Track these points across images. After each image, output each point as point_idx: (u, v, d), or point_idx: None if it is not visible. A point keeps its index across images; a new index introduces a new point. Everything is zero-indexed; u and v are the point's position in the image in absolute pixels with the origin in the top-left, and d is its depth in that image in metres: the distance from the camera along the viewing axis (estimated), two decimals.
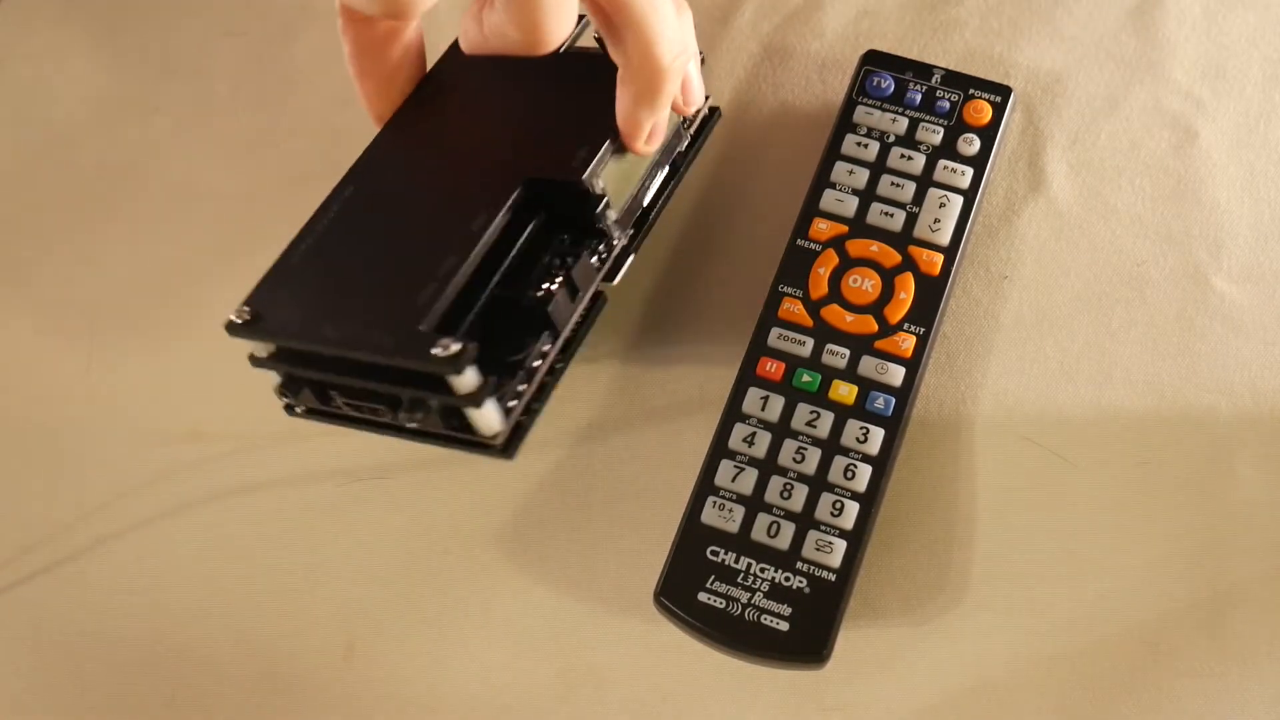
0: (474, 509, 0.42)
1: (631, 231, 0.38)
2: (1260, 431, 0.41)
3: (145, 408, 0.44)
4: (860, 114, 0.43)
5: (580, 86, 0.38)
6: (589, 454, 0.42)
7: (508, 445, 0.35)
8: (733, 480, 0.39)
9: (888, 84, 0.43)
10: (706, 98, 0.40)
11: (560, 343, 0.36)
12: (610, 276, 0.38)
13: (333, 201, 0.38)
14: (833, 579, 0.38)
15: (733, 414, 0.40)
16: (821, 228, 0.42)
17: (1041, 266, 0.44)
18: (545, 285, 0.35)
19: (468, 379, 0.33)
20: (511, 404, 0.35)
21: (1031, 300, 0.43)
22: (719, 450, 0.39)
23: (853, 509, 0.38)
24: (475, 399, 0.33)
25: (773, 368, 0.40)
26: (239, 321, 0.35)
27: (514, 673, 0.40)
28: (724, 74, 0.47)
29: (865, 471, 0.39)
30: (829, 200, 0.42)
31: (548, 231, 0.37)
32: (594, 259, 0.37)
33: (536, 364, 0.35)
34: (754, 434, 0.39)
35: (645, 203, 0.39)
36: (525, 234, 0.36)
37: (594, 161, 0.36)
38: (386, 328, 0.33)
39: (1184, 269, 0.43)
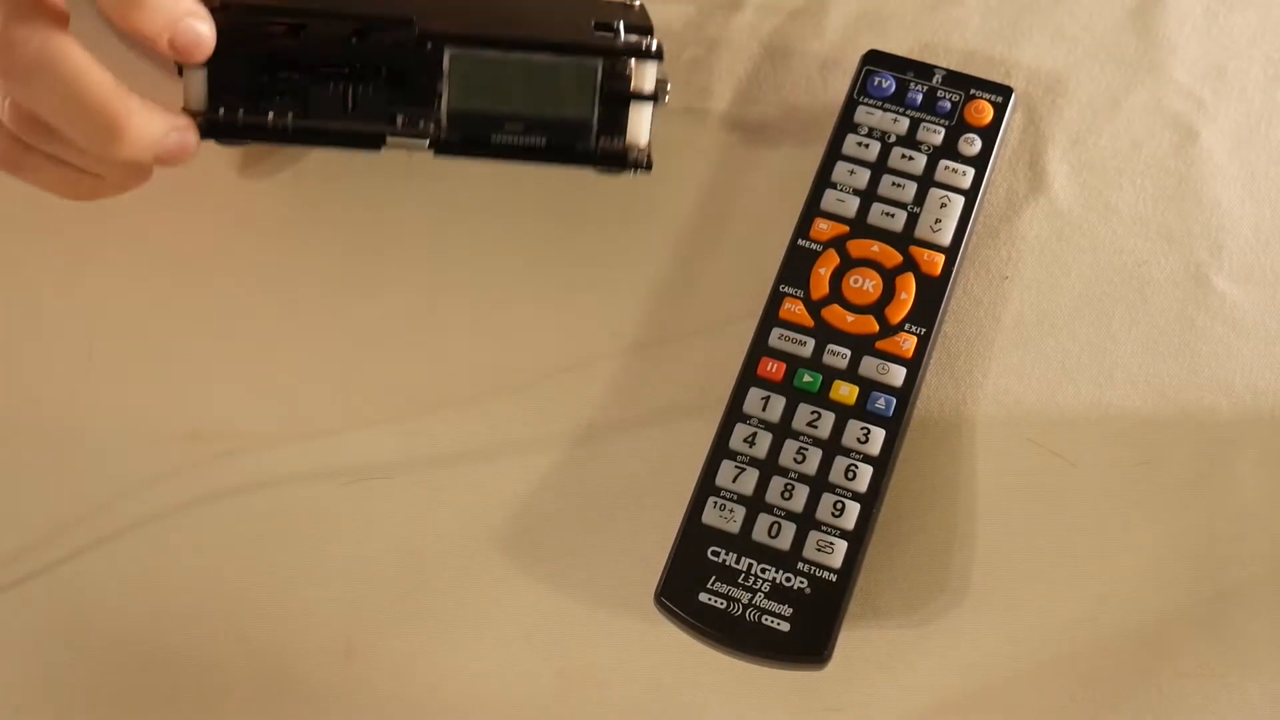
0: (474, 509, 0.42)
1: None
2: (1260, 431, 0.41)
3: (145, 408, 0.43)
4: (861, 114, 0.43)
5: None
6: (589, 454, 0.42)
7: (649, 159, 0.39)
8: (734, 481, 0.39)
9: (889, 84, 0.43)
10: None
11: None
12: None
13: None
14: (833, 579, 0.38)
15: (734, 414, 0.40)
16: (822, 228, 0.42)
17: (1042, 267, 0.44)
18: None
19: (650, 72, 0.36)
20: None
21: (1032, 300, 0.43)
22: (720, 450, 0.39)
23: (854, 509, 0.38)
24: (655, 95, 0.37)
25: (774, 368, 0.40)
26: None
27: (514, 673, 0.40)
28: (724, 74, 0.47)
29: (866, 472, 0.39)
30: (830, 200, 0.42)
31: None
32: None
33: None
34: (755, 434, 0.39)
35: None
36: None
37: None
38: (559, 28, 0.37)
39: (1185, 269, 0.43)
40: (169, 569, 0.42)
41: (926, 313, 0.40)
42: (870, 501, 0.39)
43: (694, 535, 0.39)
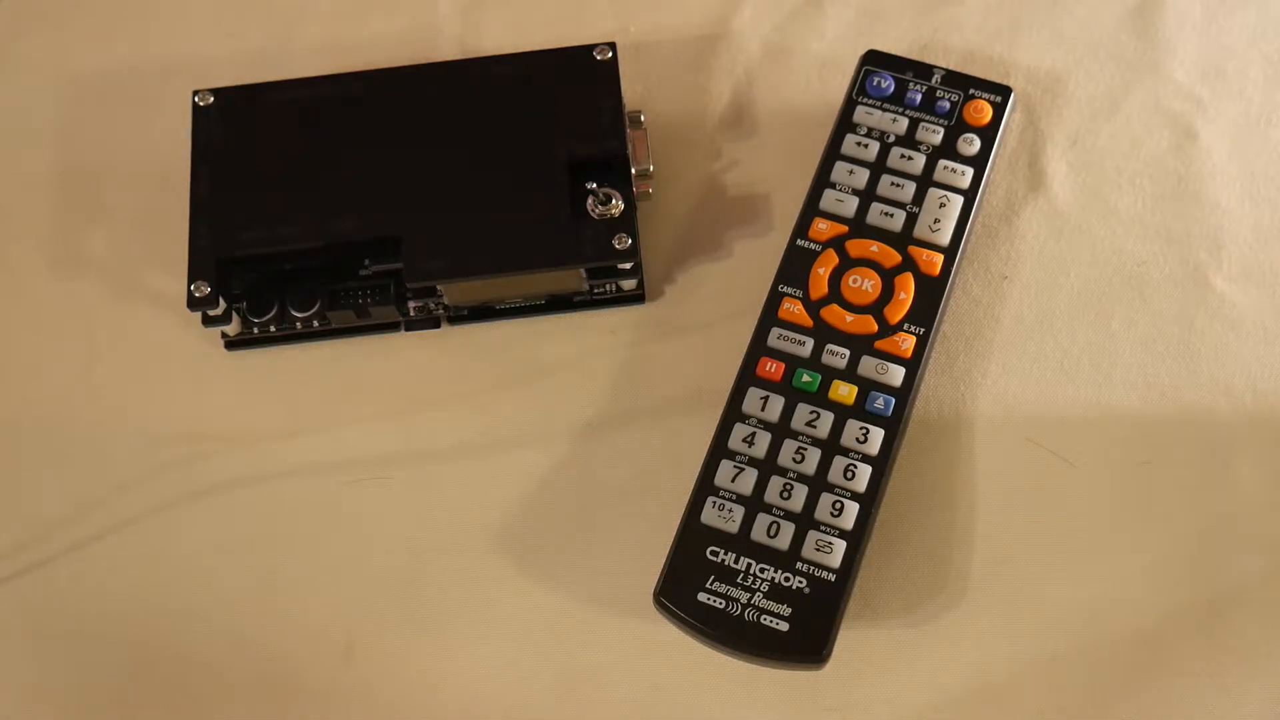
0: (474, 509, 0.42)
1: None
2: (1260, 431, 0.41)
3: (145, 407, 0.44)
4: (860, 114, 0.43)
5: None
6: (589, 453, 0.42)
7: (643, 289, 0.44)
8: (732, 480, 0.39)
9: (888, 84, 0.43)
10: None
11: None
12: None
13: None
14: (832, 579, 0.38)
15: (732, 414, 0.40)
16: (821, 228, 0.42)
17: (1041, 266, 0.44)
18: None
19: (631, 250, 0.41)
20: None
21: (1032, 300, 0.43)
22: (719, 450, 0.39)
23: (852, 509, 0.38)
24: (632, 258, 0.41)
25: (773, 368, 0.40)
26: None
27: (514, 673, 0.40)
28: (724, 74, 0.47)
29: (865, 472, 0.39)
30: (829, 200, 0.42)
31: None
32: None
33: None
34: (754, 434, 0.39)
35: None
36: None
37: None
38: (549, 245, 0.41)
39: (1184, 269, 0.43)
40: (168, 568, 0.42)
41: (925, 312, 0.40)
42: (869, 501, 0.38)
43: (693, 535, 0.39)
